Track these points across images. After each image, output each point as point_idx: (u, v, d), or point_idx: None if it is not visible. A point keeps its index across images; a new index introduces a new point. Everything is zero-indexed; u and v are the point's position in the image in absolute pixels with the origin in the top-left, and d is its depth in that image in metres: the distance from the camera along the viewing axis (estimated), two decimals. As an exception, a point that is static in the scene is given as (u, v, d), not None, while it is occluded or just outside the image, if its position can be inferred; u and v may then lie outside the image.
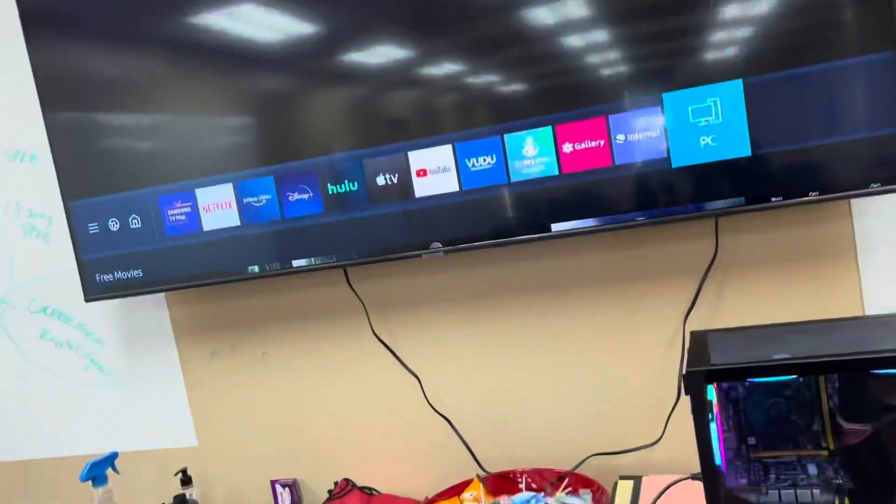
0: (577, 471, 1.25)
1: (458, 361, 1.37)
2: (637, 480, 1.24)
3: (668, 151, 1.11)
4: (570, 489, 1.21)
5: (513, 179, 1.19)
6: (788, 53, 1.06)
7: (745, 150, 1.08)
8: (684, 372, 0.80)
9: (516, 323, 1.33)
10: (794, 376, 0.85)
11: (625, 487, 1.23)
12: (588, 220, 1.17)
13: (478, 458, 1.35)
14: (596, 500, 1.16)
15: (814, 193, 1.06)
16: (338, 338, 1.43)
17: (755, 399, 0.89)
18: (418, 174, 1.23)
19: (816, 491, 0.83)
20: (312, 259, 1.30)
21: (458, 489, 1.26)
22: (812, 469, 0.87)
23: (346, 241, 1.28)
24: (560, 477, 1.23)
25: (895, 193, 1.05)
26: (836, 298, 1.16)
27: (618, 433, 1.29)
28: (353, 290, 1.38)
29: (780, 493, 0.84)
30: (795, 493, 0.84)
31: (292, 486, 1.46)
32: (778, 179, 1.08)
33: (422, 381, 1.38)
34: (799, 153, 1.07)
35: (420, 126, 1.22)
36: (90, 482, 1.38)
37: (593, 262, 1.27)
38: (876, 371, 0.81)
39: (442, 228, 1.23)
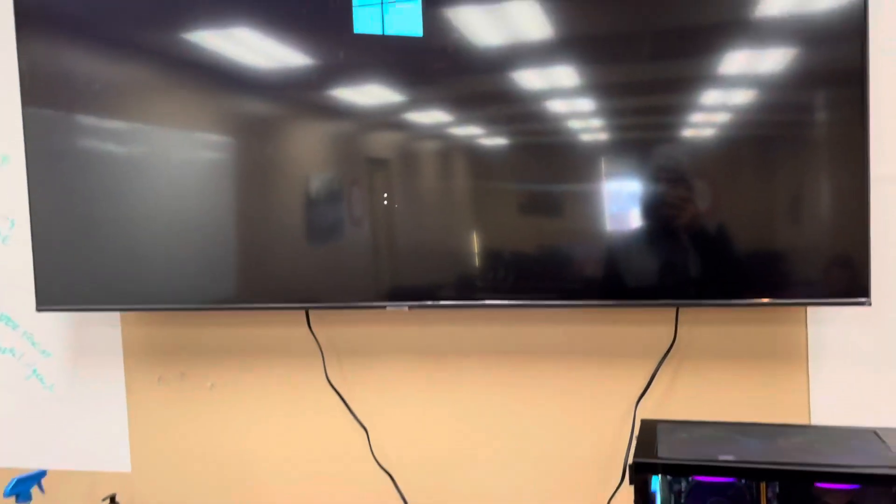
0: (514, 543, 1.24)
1: (410, 417, 1.36)
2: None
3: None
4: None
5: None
6: (761, 164, 1.10)
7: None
8: (631, 462, 0.81)
9: (472, 385, 1.33)
10: (738, 479, 0.87)
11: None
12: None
13: (417, 516, 1.33)
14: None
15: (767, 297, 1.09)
16: (290, 379, 1.41)
17: (697, 496, 0.90)
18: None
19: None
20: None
21: (391, 548, 1.24)
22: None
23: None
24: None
25: (849, 307, 1.09)
26: (784, 401, 1.19)
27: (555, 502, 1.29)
28: (313, 334, 1.37)
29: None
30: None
31: (221, 525, 1.42)
32: (739, 279, 1.11)
33: (369, 434, 1.36)
34: (760, 256, 1.10)
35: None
36: (14, 498, 1.33)
37: (557, 335, 1.29)
38: (819, 484, 0.82)
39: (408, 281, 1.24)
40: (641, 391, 1.24)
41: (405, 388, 1.36)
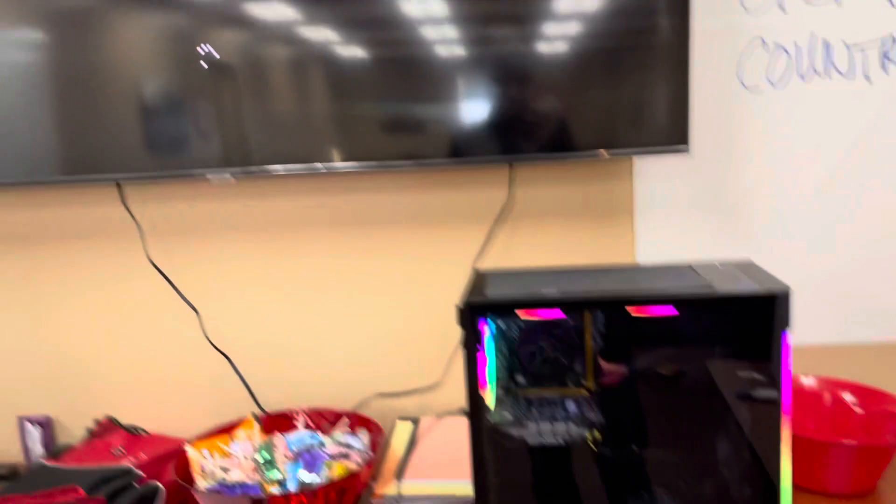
0: (357, 411, 1.23)
1: (243, 296, 1.29)
2: (415, 421, 1.25)
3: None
4: (347, 428, 1.19)
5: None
6: (586, 21, 1.08)
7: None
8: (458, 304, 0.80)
9: (308, 259, 1.27)
10: (563, 318, 0.88)
11: (404, 427, 1.23)
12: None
13: (256, 397, 1.29)
14: (372, 439, 1.15)
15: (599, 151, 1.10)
16: (109, 262, 1.29)
17: (527, 339, 0.91)
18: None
19: (572, 425, 0.87)
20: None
21: (230, 428, 1.19)
22: (571, 406, 0.91)
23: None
24: (339, 417, 1.21)
25: (671, 156, 1.13)
26: (613, 249, 1.23)
27: (402, 375, 1.29)
28: (128, 210, 1.25)
29: (538, 427, 0.87)
30: (552, 426, 0.87)
31: (44, 424, 1.32)
32: (571, 136, 1.11)
33: (200, 315, 1.28)
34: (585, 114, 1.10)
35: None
36: None
37: (395, 203, 1.25)
38: (631, 310, 0.85)
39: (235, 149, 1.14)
40: (479, 251, 1.23)
41: (237, 266, 1.28)
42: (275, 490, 1.05)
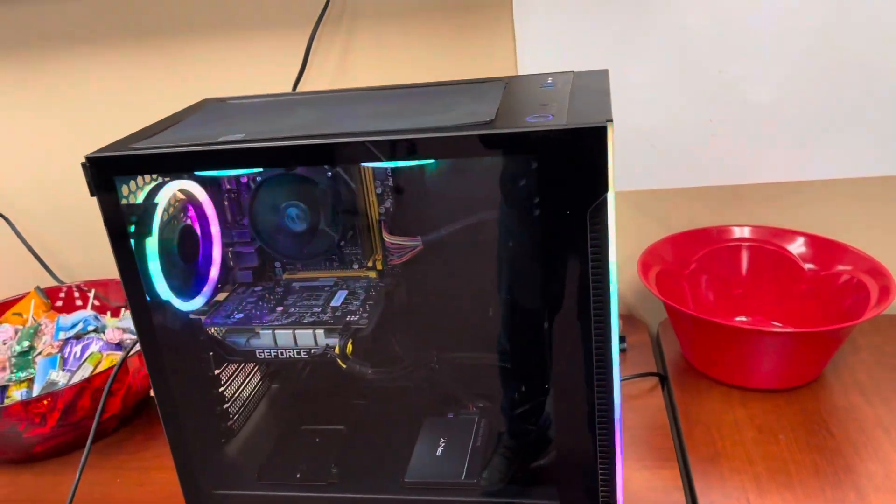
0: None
1: (7, 136, 1.00)
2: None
3: None
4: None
5: None
6: None
7: None
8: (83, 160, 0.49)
9: (82, 81, 0.96)
10: (309, 173, 0.57)
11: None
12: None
13: (48, 266, 1.03)
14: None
15: None
16: None
17: (266, 202, 0.61)
18: None
19: (320, 332, 0.59)
20: None
21: (6, 306, 0.95)
22: (339, 299, 0.62)
23: None
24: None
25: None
26: (491, 57, 0.87)
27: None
28: None
29: (273, 334, 0.59)
30: (294, 334, 0.59)
31: None
32: None
33: (-46, 167, 1.00)
34: None
35: None
36: None
37: (183, 5, 0.90)
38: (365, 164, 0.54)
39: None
40: (297, 74, 0.90)
41: (-4, 100, 0.98)
42: (19, 393, 0.82)
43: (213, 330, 0.60)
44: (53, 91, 0.97)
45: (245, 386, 0.66)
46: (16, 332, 0.90)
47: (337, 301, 0.61)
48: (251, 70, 0.92)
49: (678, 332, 0.84)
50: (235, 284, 0.64)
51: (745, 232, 0.88)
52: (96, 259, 1.04)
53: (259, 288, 0.64)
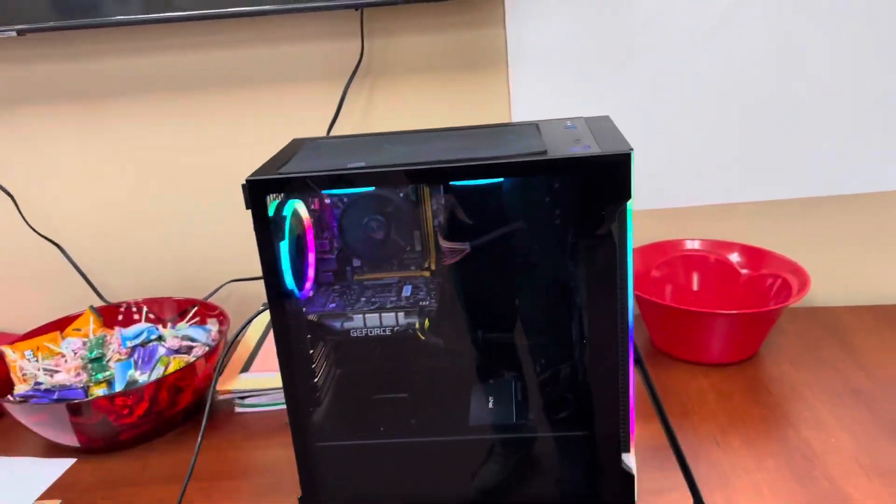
0: (210, 300, 1.12)
1: (67, 174, 1.13)
2: (265, 309, 1.14)
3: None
4: (196, 319, 1.08)
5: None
6: None
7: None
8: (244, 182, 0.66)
9: (136, 128, 1.11)
10: (389, 192, 0.75)
11: (266, 317, 1.12)
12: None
13: (97, 287, 1.16)
14: (219, 330, 1.04)
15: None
16: None
17: (354, 217, 0.78)
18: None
19: (402, 314, 0.76)
20: None
21: (63, 323, 1.07)
22: (407, 290, 0.80)
23: None
24: (185, 307, 1.09)
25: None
26: (486, 106, 1.08)
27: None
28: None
29: (364, 317, 0.76)
30: (380, 316, 0.76)
31: None
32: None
33: (17, 200, 1.12)
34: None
35: None
36: None
37: (233, 60, 1.07)
38: (456, 183, 0.73)
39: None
40: (333, 116, 1.08)
41: (53, 141, 1.11)
42: (100, 392, 0.94)
43: (312, 316, 0.76)
44: (106, 134, 1.11)
45: (325, 365, 0.82)
46: (84, 344, 1.02)
47: (406, 293, 0.79)
48: (288, 115, 1.09)
49: (647, 322, 1.05)
50: (320, 284, 0.81)
51: (695, 244, 1.11)
52: (136, 280, 1.18)
53: (338, 286, 0.81)
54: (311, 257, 0.78)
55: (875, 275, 1.13)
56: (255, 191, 0.66)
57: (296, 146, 0.77)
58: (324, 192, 0.74)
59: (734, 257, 1.09)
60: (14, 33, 0.94)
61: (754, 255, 1.07)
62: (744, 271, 1.08)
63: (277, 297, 0.69)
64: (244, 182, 0.65)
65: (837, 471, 0.78)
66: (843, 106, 1.05)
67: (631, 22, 1.03)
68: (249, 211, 0.66)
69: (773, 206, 1.11)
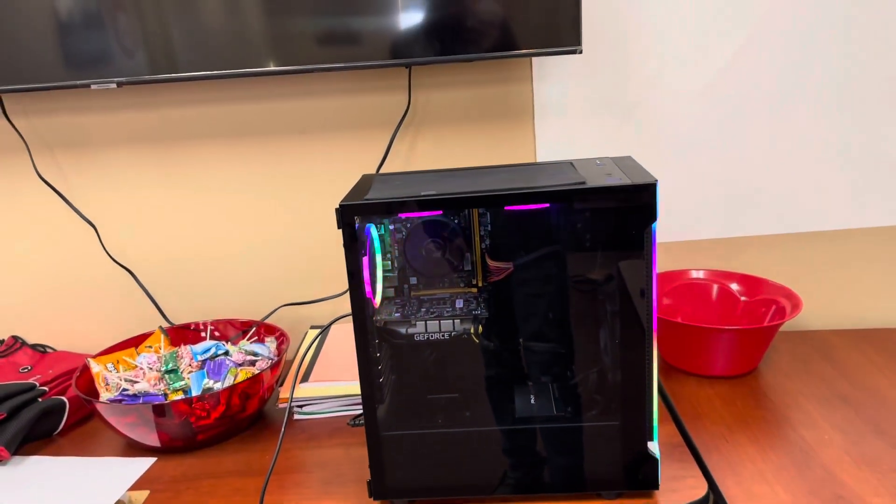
0: (266, 321, 1.24)
1: (143, 208, 1.27)
2: (326, 328, 1.26)
3: None
4: (255, 338, 1.21)
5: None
6: None
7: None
8: (337, 206, 0.80)
9: (208, 171, 1.25)
10: (445, 218, 0.90)
11: (314, 335, 1.25)
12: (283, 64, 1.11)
13: (163, 310, 1.29)
14: (279, 347, 1.16)
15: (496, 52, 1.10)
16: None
17: (415, 240, 0.92)
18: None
19: (458, 321, 0.90)
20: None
21: (137, 341, 1.20)
22: (459, 303, 0.93)
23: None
24: (246, 326, 1.22)
25: (566, 57, 1.13)
26: (514, 152, 1.24)
27: (310, 285, 1.30)
28: (11, 124, 1.20)
29: (426, 324, 0.90)
30: (439, 323, 0.90)
31: (-54, 347, 1.29)
32: (468, 37, 1.10)
33: (98, 230, 1.26)
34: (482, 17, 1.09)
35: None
36: None
37: (293, 111, 1.23)
38: (509, 208, 0.87)
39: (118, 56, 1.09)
40: (381, 159, 1.23)
41: (134, 179, 1.25)
42: (178, 398, 1.06)
43: (379, 323, 0.89)
44: (181, 175, 1.26)
45: (387, 367, 0.94)
46: (158, 358, 1.14)
47: (459, 305, 0.92)
48: (349, 156, 1.24)
49: (658, 340, 1.18)
50: (384, 297, 0.94)
51: (699, 273, 1.25)
52: (196, 305, 1.30)
53: (398, 300, 0.95)
54: (380, 273, 0.92)
55: (859, 301, 1.28)
56: (346, 214, 0.80)
57: (367, 181, 0.92)
58: (400, 214, 0.88)
59: (734, 285, 1.23)
60: (115, 85, 1.09)
61: (752, 284, 1.22)
62: (743, 298, 1.22)
63: (359, 303, 0.82)
64: (337, 206, 0.79)
65: (830, 461, 0.91)
66: (828, 153, 1.21)
67: (638, 79, 1.19)
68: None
69: (769, 239, 1.26)
